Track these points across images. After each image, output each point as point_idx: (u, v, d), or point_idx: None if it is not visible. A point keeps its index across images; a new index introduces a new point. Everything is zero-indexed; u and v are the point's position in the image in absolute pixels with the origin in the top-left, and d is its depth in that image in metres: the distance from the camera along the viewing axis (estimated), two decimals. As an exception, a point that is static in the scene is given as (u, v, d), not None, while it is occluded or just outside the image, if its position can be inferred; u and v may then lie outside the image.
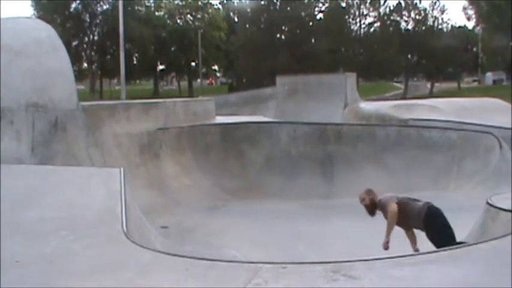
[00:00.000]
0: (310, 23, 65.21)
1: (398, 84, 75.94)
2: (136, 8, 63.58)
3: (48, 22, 14.09)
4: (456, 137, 14.22)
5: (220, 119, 16.66)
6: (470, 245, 5.64)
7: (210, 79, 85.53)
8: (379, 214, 7.14)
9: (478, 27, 69.46)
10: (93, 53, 63.63)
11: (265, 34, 62.78)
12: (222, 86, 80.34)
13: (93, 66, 63.80)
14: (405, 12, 66.34)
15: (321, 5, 66.79)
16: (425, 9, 66.42)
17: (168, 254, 5.47)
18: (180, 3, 71.12)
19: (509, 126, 15.42)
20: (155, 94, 65.97)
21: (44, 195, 7.08)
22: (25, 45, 11.46)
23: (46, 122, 11.09)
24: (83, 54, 63.47)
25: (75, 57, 54.41)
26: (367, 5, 66.33)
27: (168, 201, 12.18)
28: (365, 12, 66.77)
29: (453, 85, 71.16)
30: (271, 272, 4.47)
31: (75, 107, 11.80)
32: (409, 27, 66.76)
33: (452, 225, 6.76)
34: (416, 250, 6.71)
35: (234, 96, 35.03)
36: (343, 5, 66.65)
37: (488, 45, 64.24)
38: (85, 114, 12.02)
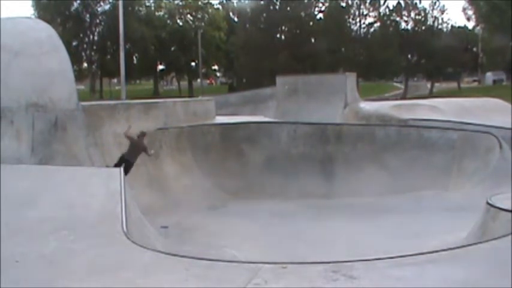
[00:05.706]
0: (310, 23, 65.04)
1: (398, 84, 75.89)
2: (136, 8, 63.54)
3: (48, 22, 14.07)
4: (456, 137, 14.21)
5: (220, 119, 16.64)
6: (470, 245, 5.64)
7: (210, 79, 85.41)
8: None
9: (478, 27, 69.39)
10: (93, 53, 63.56)
11: (265, 34, 62.61)
12: (222, 86, 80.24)
13: (93, 66, 63.72)
14: (405, 12, 66.24)
15: (320, 5, 66.64)
16: (425, 9, 66.33)
17: (168, 254, 5.47)
18: (180, 3, 71.04)
19: (509, 126, 15.42)
20: (155, 94, 65.89)
21: (44, 195, 7.08)
22: (25, 45, 11.45)
23: (46, 122, 11.08)
24: (83, 54, 63.38)
25: (75, 57, 54.31)
26: (367, 5, 66.25)
27: (168, 201, 12.18)
28: (365, 12, 66.69)
29: (453, 85, 71.05)
30: (271, 272, 4.48)
31: (75, 107, 11.79)
32: (409, 27, 66.67)
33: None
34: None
35: (234, 96, 34.93)
36: (343, 5, 66.55)
37: (488, 45, 64.10)
38: (85, 114, 12.01)
